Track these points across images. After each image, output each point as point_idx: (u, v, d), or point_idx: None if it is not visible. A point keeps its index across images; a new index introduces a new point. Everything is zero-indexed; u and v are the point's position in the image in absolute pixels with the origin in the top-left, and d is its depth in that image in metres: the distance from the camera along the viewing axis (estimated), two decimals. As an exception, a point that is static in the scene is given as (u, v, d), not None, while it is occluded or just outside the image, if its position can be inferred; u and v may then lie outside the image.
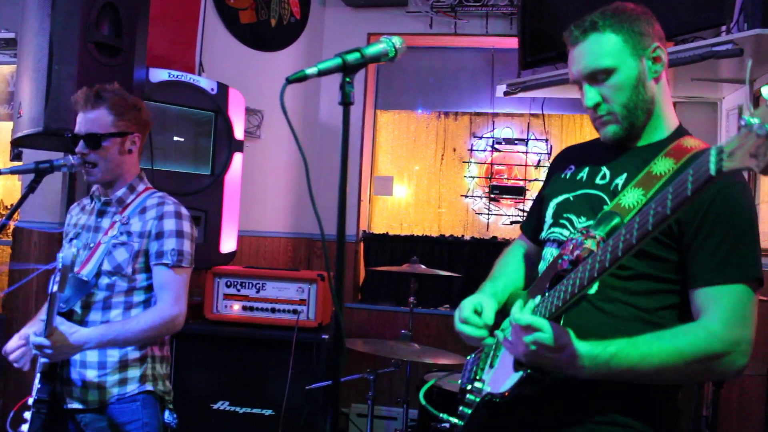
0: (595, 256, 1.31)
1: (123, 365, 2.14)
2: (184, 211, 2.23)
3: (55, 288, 1.86)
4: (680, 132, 1.60)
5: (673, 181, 1.45)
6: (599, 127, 1.60)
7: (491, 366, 1.65)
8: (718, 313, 1.39)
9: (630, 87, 1.53)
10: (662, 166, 1.50)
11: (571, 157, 1.78)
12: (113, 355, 2.13)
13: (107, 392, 2.11)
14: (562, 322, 1.44)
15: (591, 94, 1.55)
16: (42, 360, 2.07)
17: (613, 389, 1.48)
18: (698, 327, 1.41)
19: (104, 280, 2.13)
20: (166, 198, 2.24)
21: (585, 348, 1.36)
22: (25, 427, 2.08)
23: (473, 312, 1.63)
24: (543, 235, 1.71)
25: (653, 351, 1.37)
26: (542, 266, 1.68)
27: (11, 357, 2.14)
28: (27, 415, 2.10)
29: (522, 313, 1.39)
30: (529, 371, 1.45)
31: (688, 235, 1.43)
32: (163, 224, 2.16)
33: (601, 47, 1.53)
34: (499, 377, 1.56)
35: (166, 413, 2.22)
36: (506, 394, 1.50)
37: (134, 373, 2.15)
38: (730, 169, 0.99)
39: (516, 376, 1.48)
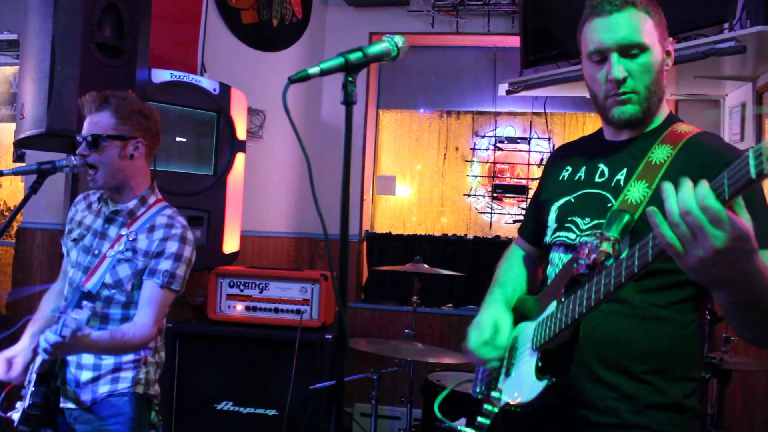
0: (621, 262, 1.24)
1: (117, 369, 2.16)
2: (189, 235, 2.23)
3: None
4: (672, 119, 1.60)
5: (677, 166, 1.44)
6: (614, 105, 1.55)
7: (507, 375, 1.61)
8: None
9: (656, 71, 1.53)
10: (660, 154, 1.50)
11: (565, 156, 1.76)
12: (108, 357, 2.14)
13: (99, 390, 2.14)
14: (582, 326, 1.43)
15: (621, 66, 1.51)
16: (39, 359, 2.09)
17: (633, 391, 1.47)
18: None
19: (104, 292, 2.14)
20: (175, 219, 2.23)
21: (764, 263, 1.14)
22: (15, 415, 2.11)
23: (493, 333, 1.62)
24: (548, 239, 1.69)
25: None
26: (551, 270, 1.66)
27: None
28: (18, 405, 2.11)
29: (714, 201, 1.03)
30: (554, 379, 1.43)
31: None
32: (165, 245, 2.16)
33: (639, 23, 1.52)
34: (520, 386, 1.53)
35: (153, 414, 2.25)
36: (530, 403, 1.46)
37: (127, 375, 2.17)
38: None
39: (540, 385, 1.44)
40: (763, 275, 1.15)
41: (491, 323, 1.63)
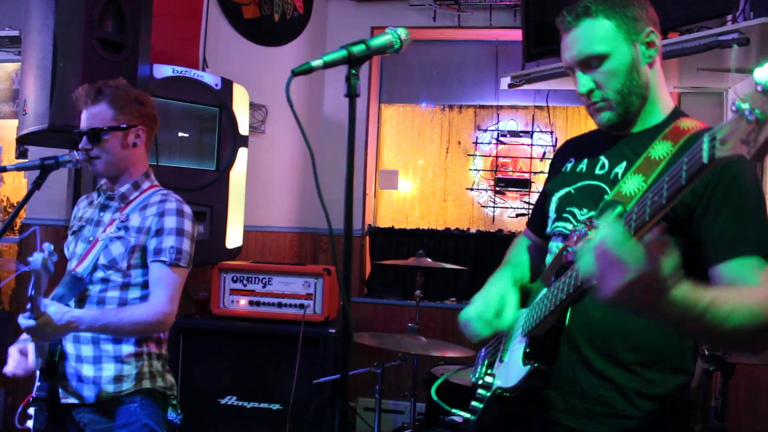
0: None
1: (118, 360, 2.11)
2: (186, 209, 2.20)
3: (32, 292, 1.81)
4: (676, 114, 1.59)
5: (671, 166, 1.45)
6: (593, 113, 1.59)
7: (501, 360, 1.65)
8: (761, 281, 1.34)
9: (624, 73, 1.52)
10: (660, 150, 1.49)
11: (570, 150, 1.78)
12: (108, 350, 2.11)
13: (102, 388, 2.09)
14: (568, 314, 1.44)
15: (584, 81, 1.55)
16: (39, 358, 2.07)
17: (623, 381, 1.48)
18: (757, 291, 1.31)
19: (99, 274, 2.11)
20: (169, 195, 2.21)
21: (681, 297, 1.15)
22: (30, 422, 2.08)
23: (496, 310, 1.61)
24: (548, 230, 1.71)
25: (735, 311, 1.23)
26: (549, 259, 1.68)
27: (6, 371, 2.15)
28: (31, 411, 2.10)
29: (619, 239, 1.10)
30: (536, 365, 1.45)
31: (697, 214, 1.41)
32: (163, 221, 2.13)
33: (593, 33, 1.52)
34: (509, 371, 1.56)
35: (169, 410, 2.20)
36: (515, 388, 1.50)
37: (130, 370, 2.11)
38: (722, 156, 0.97)
39: (524, 370, 1.47)
40: (683, 310, 1.16)
41: (499, 298, 1.62)
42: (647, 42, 1.54)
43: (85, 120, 2.16)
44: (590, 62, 1.53)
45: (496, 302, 1.62)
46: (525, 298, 1.68)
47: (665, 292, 1.12)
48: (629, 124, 1.58)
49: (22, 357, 2.16)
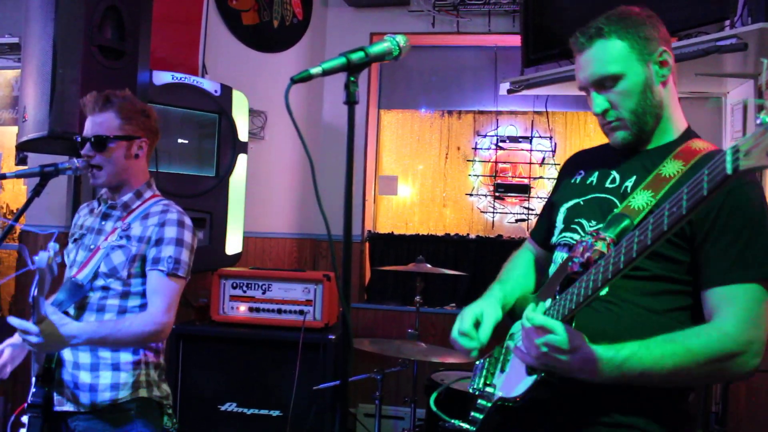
0: (608, 257, 1.30)
1: (116, 368, 2.10)
2: (187, 220, 2.21)
3: (35, 291, 1.81)
4: (689, 134, 1.60)
5: (684, 182, 1.46)
6: (608, 132, 1.60)
7: (502, 371, 1.65)
8: (732, 314, 1.38)
9: (638, 93, 1.53)
10: (671, 168, 1.50)
11: (580, 162, 1.78)
12: (105, 357, 2.10)
13: (99, 396, 2.08)
14: (573, 324, 1.44)
15: (599, 101, 1.56)
16: (36, 364, 2.06)
17: (625, 393, 1.47)
18: (711, 328, 1.39)
19: (99, 282, 2.11)
20: (171, 206, 2.22)
21: (598, 351, 1.35)
22: (23, 431, 2.06)
23: (473, 325, 1.65)
24: (554, 239, 1.71)
25: (666, 354, 1.35)
26: (552, 269, 1.67)
27: None
28: (25, 419, 2.09)
29: (534, 314, 1.38)
30: (543, 374, 1.45)
31: (700, 235, 1.43)
32: (164, 231, 2.14)
33: (607, 54, 1.53)
34: (511, 381, 1.56)
35: (165, 420, 2.20)
36: (519, 398, 1.49)
37: (127, 378, 2.11)
38: (746, 168, 0.98)
39: (529, 380, 1.47)
40: (623, 371, 1.36)
41: (473, 315, 1.66)
42: (660, 61, 1.55)
43: (91, 127, 2.17)
44: (604, 83, 1.54)
45: (470, 319, 1.65)
46: (523, 308, 1.68)
47: (574, 354, 1.34)
48: (643, 142, 1.60)
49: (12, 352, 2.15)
